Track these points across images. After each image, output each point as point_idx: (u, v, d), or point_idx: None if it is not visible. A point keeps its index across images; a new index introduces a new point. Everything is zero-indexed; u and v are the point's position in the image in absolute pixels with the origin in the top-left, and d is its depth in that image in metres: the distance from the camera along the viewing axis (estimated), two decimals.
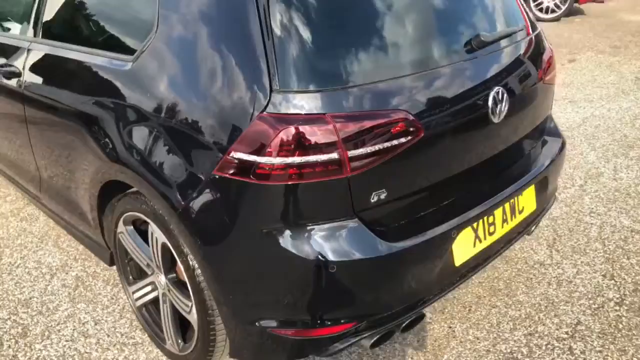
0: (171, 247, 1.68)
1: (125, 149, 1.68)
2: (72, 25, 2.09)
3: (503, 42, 1.84)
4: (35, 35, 2.18)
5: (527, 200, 1.96)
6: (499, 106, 1.70)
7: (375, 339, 1.61)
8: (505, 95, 1.72)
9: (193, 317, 1.72)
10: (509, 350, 2.01)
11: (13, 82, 2.24)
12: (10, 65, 2.25)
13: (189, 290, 1.69)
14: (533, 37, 2.03)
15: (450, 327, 2.12)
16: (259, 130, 1.39)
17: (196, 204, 1.51)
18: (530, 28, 2.06)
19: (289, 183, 1.41)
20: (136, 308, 2.06)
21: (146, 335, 2.08)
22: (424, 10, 1.68)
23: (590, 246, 2.61)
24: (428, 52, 1.63)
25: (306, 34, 1.44)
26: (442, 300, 2.25)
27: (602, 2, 9.13)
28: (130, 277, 2.05)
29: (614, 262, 2.49)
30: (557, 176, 2.17)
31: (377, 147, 1.44)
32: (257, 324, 1.56)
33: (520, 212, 1.93)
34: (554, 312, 2.19)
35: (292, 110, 1.39)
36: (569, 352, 1.99)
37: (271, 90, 1.39)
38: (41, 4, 2.17)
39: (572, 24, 7.86)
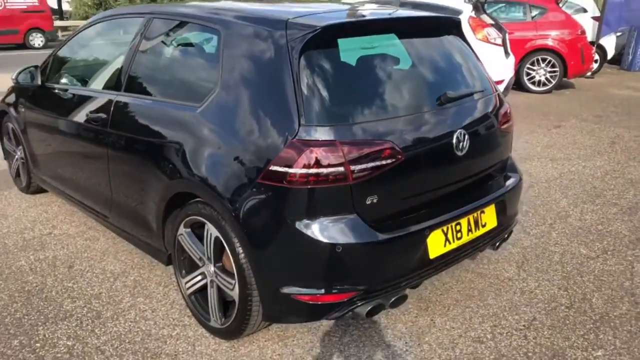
0: (222, 239, 2.31)
1: (194, 168, 2.35)
2: (150, 82, 2.83)
3: (468, 97, 2.53)
4: (120, 89, 2.91)
5: (489, 217, 2.58)
6: (461, 143, 2.37)
7: (369, 308, 2.21)
8: (466, 135, 2.39)
9: (235, 292, 2.32)
10: (476, 336, 2.56)
11: (100, 125, 2.96)
12: (99, 112, 2.98)
13: (233, 273, 2.30)
14: (494, 96, 2.73)
15: (432, 320, 2.68)
16: (290, 151, 2.06)
17: (245, 203, 2.16)
18: (493, 89, 2.76)
19: (309, 187, 2.06)
20: (187, 296, 2.66)
21: (193, 319, 2.67)
22: (407, 74, 2.40)
23: (551, 267, 3.18)
24: (410, 102, 2.32)
25: (322, 90, 2.14)
26: (426, 300, 2.82)
27: (592, 78, 10.01)
28: (184, 271, 2.66)
29: (569, 279, 3.06)
30: (515, 203, 2.80)
31: (371, 165, 2.10)
32: (283, 291, 2.16)
33: (483, 226, 2.55)
34: (516, 311, 2.75)
35: (313, 138, 2.06)
36: (524, 338, 2.54)
37: (299, 125, 2.07)
38: (126, 67, 2.92)
39: (562, 96, 8.66)
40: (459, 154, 2.38)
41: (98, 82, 3.28)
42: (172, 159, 2.48)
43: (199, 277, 2.56)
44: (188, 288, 2.63)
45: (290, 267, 2.16)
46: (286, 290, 2.16)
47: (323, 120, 2.10)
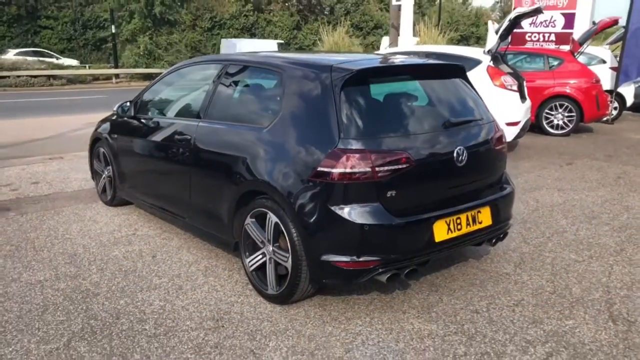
0: (281, 224, 3.11)
1: (262, 171, 3.19)
2: (226, 111, 3.73)
3: (467, 123, 3.33)
4: (202, 117, 3.82)
5: (485, 216, 3.33)
6: (460, 157, 3.16)
7: (388, 275, 2.97)
8: (465, 151, 3.18)
9: (289, 263, 3.10)
10: (474, 309, 3.26)
11: (185, 145, 3.86)
12: (184, 134, 3.88)
13: (288, 249, 3.09)
14: (491, 124, 3.52)
15: (440, 298, 3.40)
16: (332, 155, 2.89)
17: (299, 195, 2.98)
18: (490, 117, 3.55)
19: (345, 183, 2.87)
20: (249, 272, 3.45)
21: (253, 291, 3.45)
22: (420, 104, 3.23)
23: (543, 267, 3.87)
24: (421, 125, 3.15)
25: (356, 114, 2.99)
26: (436, 285, 3.54)
27: (612, 124, 10.65)
28: (247, 252, 3.47)
29: (556, 275, 3.74)
30: (507, 207, 3.54)
31: (391, 168, 2.90)
32: (323, 259, 2.94)
33: (480, 222, 3.30)
34: (509, 295, 3.45)
35: (349, 147, 2.89)
36: (511, 311, 3.23)
37: (339, 138, 2.91)
38: (206, 100, 3.83)
39: (579, 138, 9.33)
40: (459, 164, 3.16)
41: (182, 113, 4.22)
42: (244, 166, 3.33)
43: (260, 256, 3.36)
44: (251, 265, 3.43)
45: (329, 241, 2.94)
46: (326, 258, 2.95)
47: (356, 136, 2.93)
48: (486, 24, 12.17)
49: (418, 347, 2.85)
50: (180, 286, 3.56)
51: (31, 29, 34.29)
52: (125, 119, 4.71)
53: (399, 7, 12.93)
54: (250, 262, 3.44)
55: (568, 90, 9.25)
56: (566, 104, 9.27)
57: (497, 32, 7.31)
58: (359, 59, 3.37)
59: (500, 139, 3.56)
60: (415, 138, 3.07)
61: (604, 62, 11.36)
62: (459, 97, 3.48)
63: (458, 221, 3.17)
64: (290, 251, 3.08)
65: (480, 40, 52.72)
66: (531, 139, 9.05)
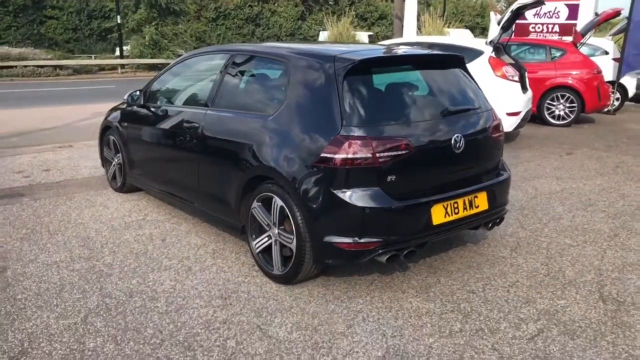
0: (286, 208, 3.26)
1: (268, 157, 3.33)
2: (233, 100, 3.87)
3: (465, 112, 3.47)
4: (210, 106, 3.96)
5: (481, 201, 3.47)
6: (457, 144, 3.30)
7: (388, 256, 3.12)
8: (462, 138, 3.32)
9: (293, 245, 3.25)
10: (470, 289, 3.41)
11: (193, 132, 4.00)
12: (192, 122, 4.03)
13: (292, 231, 3.24)
14: (488, 113, 3.66)
15: (437, 279, 3.55)
16: (335, 142, 3.03)
17: (303, 180, 3.12)
18: (488, 106, 3.68)
19: (347, 168, 3.01)
20: (256, 254, 3.61)
21: (259, 272, 3.61)
22: (420, 93, 3.36)
23: (538, 251, 4.01)
24: (420, 113, 3.28)
25: (358, 102, 3.12)
26: (434, 267, 3.69)
27: (614, 114, 10.74)
28: (254, 235, 3.62)
29: (550, 258, 3.88)
30: (504, 193, 3.68)
31: (391, 154, 3.04)
32: (326, 240, 3.09)
33: (476, 207, 3.44)
34: (504, 277, 3.59)
35: (351, 134, 3.03)
36: (506, 291, 3.38)
37: (342, 125, 3.05)
38: (214, 89, 3.97)
39: (580, 129, 9.43)
40: (457, 151, 3.30)
41: (191, 101, 4.37)
42: (251, 152, 3.48)
43: (266, 239, 3.52)
44: (257, 247, 3.59)
45: (332, 223, 3.09)
46: (329, 239, 3.10)
47: (358, 123, 3.07)
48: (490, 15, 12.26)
49: (416, 323, 3.00)
50: (190, 267, 3.72)
51: (37, 19, 34.38)
52: (135, 107, 4.86)
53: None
54: (256, 244, 3.60)
55: (569, 81, 9.34)
56: (567, 94, 9.37)
57: (499, 24, 7.40)
58: (361, 50, 3.51)
59: (497, 127, 3.69)
60: (414, 125, 3.21)
61: (607, 53, 11.42)
62: (458, 86, 3.61)
63: (455, 205, 3.31)
64: (294, 233, 3.24)
65: (485, 31, 52.53)
66: (533, 130, 9.16)
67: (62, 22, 35.52)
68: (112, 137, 5.33)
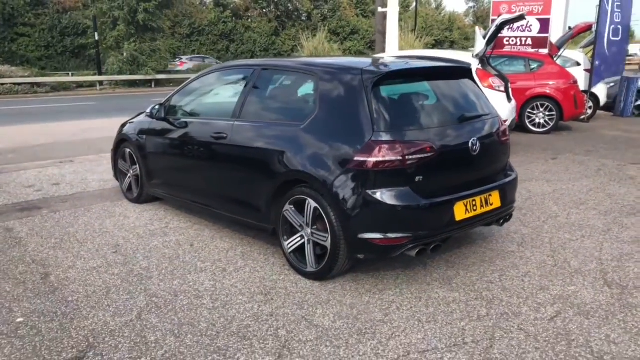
0: (320, 209, 3.54)
1: (302, 163, 3.61)
2: (262, 111, 4.14)
3: (478, 118, 3.81)
4: (237, 117, 4.22)
5: (495, 199, 3.81)
6: (474, 147, 3.63)
7: (417, 250, 3.42)
8: (478, 142, 3.66)
9: (328, 243, 3.52)
10: (489, 280, 3.73)
11: (220, 142, 4.25)
12: (220, 133, 4.28)
13: (327, 230, 3.51)
14: (496, 119, 4.01)
15: (457, 272, 3.86)
16: (368, 147, 3.33)
17: (338, 182, 3.41)
18: (495, 114, 4.04)
19: (379, 170, 3.31)
20: (288, 253, 3.86)
21: (291, 271, 3.86)
22: (438, 101, 3.70)
23: (543, 245, 4.36)
24: (440, 119, 3.62)
25: (386, 110, 3.44)
26: (453, 262, 4.01)
27: (588, 122, 11.32)
28: (285, 236, 3.88)
29: (555, 251, 4.24)
30: (512, 191, 4.02)
31: (417, 157, 3.36)
32: (360, 237, 3.37)
33: (491, 204, 3.77)
34: (516, 268, 3.92)
35: (382, 139, 3.33)
36: (521, 281, 3.71)
37: (373, 131, 3.35)
38: (240, 102, 4.24)
39: (559, 136, 9.96)
40: (473, 153, 3.64)
41: (216, 113, 4.62)
42: (283, 159, 3.75)
43: (299, 239, 3.77)
44: (289, 247, 3.84)
45: (366, 221, 3.38)
46: (363, 236, 3.38)
47: (387, 129, 3.37)
48: (465, 28, 12.81)
49: (446, 310, 3.30)
50: (224, 269, 3.95)
51: (8, 37, 34.02)
52: (155, 120, 5.07)
53: (385, 14, 13.47)
54: (288, 244, 3.85)
55: (548, 91, 9.87)
56: (547, 103, 9.90)
57: (484, 37, 7.85)
58: (382, 62, 3.83)
59: (505, 131, 4.04)
60: (436, 131, 3.54)
61: (579, 64, 12.05)
62: (469, 94, 3.96)
63: (474, 203, 3.64)
64: (329, 232, 3.51)
65: (454, 45, 53.94)
66: (516, 137, 9.61)
67: (34, 39, 35.21)
68: (127, 150, 5.52)
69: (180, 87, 5.14)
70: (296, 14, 49.10)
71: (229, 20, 43.75)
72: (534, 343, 2.93)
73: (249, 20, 46.23)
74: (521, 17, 7.85)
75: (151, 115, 5.08)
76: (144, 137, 5.24)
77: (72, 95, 22.35)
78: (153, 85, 25.13)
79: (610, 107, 12.89)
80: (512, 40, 14.44)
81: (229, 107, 4.39)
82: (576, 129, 10.81)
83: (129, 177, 5.61)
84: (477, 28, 8.40)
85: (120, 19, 23.98)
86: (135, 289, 3.62)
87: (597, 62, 11.69)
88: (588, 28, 10.94)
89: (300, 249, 3.78)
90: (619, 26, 12.16)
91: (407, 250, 3.42)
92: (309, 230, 3.68)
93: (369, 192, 3.34)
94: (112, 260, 4.11)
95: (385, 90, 3.54)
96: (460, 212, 3.55)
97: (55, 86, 22.90)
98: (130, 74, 24.04)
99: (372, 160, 3.31)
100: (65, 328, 3.11)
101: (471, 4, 56.93)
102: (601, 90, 11.95)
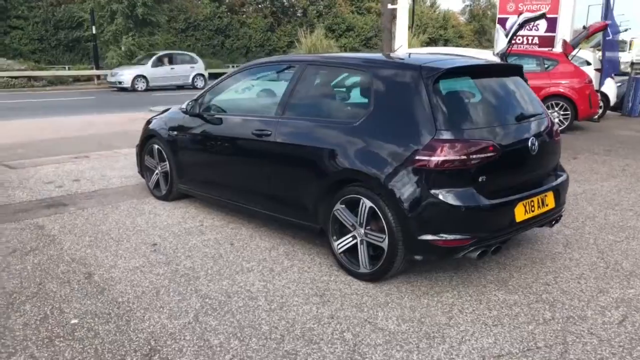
0: (376, 208, 3.44)
1: (356, 162, 3.51)
2: (309, 108, 4.03)
3: (533, 117, 3.74)
4: (281, 114, 4.11)
5: (549, 200, 3.74)
6: (533, 146, 3.56)
7: (479, 252, 3.34)
8: (536, 141, 3.59)
9: (385, 243, 3.43)
10: (545, 282, 3.66)
11: (264, 139, 4.14)
12: (264, 130, 4.17)
13: (384, 230, 3.42)
14: (547, 119, 3.94)
15: (510, 274, 3.79)
16: (431, 146, 3.24)
17: (398, 182, 3.32)
18: (546, 112, 3.97)
19: (442, 169, 3.23)
20: (338, 254, 3.76)
21: (340, 271, 3.77)
22: (496, 99, 3.62)
23: (588, 247, 4.31)
24: (500, 117, 3.54)
25: (446, 108, 3.35)
26: (504, 264, 3.94)
27: (599, 121, 11.33)
28: (335, 236, 3.79)
29: (603, 253, 4.18)
30: (564, 192, 3.96)
31: (481, 156, 3.28)
32: (422, 238, 3.29)
33: (546, 205, 3.70)
34: (569, 270, 3.86)
35: (445, 138, 3.25)
36: (577, 283, 3.64)
37: (435, 130, 3.26)
38: (285, 99, 4.13)
39: (574, 135, 9.94)
40: (532, 153, 3.57)
41: (257, 110, 4.51)
42: (334, 158, 3.65)
43: (350, 239, 3.68)
44: (340, 248, 3.75)
45: (429, 222, 3.29)
46: (425, 237, 3.30)
47: (450, 128, 3.29)
48: (473, 27, 12.75)
49: (510, 313, 3.23)
50: (271, 269, 3.85)
51: (1, 30, 33.48)
52: (188, 116, 4.94)
53: (392, 11, 13.37)
54: (338, 244, 3.76)
55: (563, 90, 9.85)
56: (562, 102, 9.87)
57: (507, 36, 7.80)
58: (437, 59, 3.74)
59: (557, 132, 3.98)
60: (496, 130, 3.46)
61: (589, 64, 12.05)
62: (522, 93, 3.89)
63: (532, 204, 3.57)
64: (386, 232, 3.42)
65: (448, 43, 53.95)
66: None
67: (27, 32, 34.65)
68: (156, 146, 5.39)
69: (214, 82, 5.01)
70: (292, 10, 48.87)
71: (225, 16, 43.41)
72: (609, 348, 2.86)
73: (244, 15, 45.94)
74: (542, 16, 7.81)
75: (185, 112, 4.95)
76: (175, 133, 5.11)
77: (70, 89, 22.06)
78: None
79: (617, 106, 12.92)
80: (519, 39, 14.45)
81: (271, 104, 4.29)
82: (588, 128, 10.81)
83: (157, 174, 5.48)
84: (497, 26, 8.36)
85: (118, 13, 23.66)
86: (184, 289, 3.51)
87: (604, 62, 11.70)
88: (604, 27, 10.93)
89: (351, 250, 3.69)
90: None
91: (470, 252, 3.35)
92: (362, 231, 3.59)
93: (432, 192, 3.25)
94: (153, 259, 4.00)
95: (446, 88, 3.46)
96: (520, 213, 3.48)
97: (52, 80, 22.58)
98: None
99: (435, 159, 3.22)
100: (122, 330, 2.99)
101: (467, 2, 56.93)
102: (611, 89, 11.95)
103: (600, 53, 12.78)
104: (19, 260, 3.94)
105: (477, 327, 3.07)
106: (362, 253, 3.61)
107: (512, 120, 3.62)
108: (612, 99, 12.12)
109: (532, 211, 3.57)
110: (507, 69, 3.99)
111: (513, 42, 7.82)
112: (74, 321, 3.08)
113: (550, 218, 3.83)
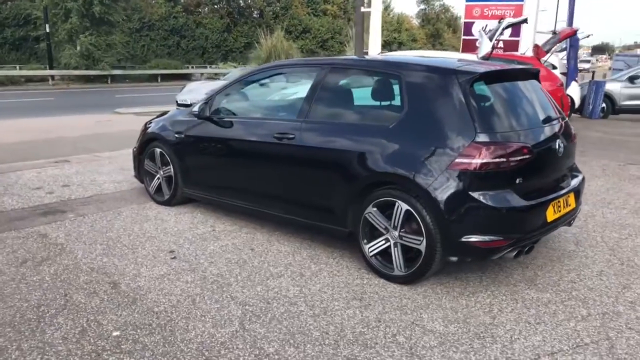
0: (413, 211, 3.46)
1: (391, 165, 3.52)
2: (335, 111, 4.01)
3: (555, 120, 3.86)
4: (305, 117, 4.07)
5: (571, 200, 3.86)
6: (560, 148, 3.67)
7: (515, 252, 3.41)
8: (561, 143, 3.70)
9: (423, 246, 3.45)
10: (569, 279, 3.77)
11: (286, 143, 4.09)
12: (286, 133, 4.11)
13: (421, 233, 3.44)
14: (566, 120, 4.07)
15: (535, 273, 3.88)
16: (471, 149, 3.29)
17: (437, 184, 3.35)
18: (562, 118, 4.10)
19: (483, 171, 3.28)
20: (369, 257, 3.76)
21: (371, 274, 3.77)
22: (526, 102, 3.71)
23: (598, 245, 4.47)
24: (529, 120, 3.63)
25: (484, 111, 3.41)
26: (526, 263, 4.03)
27: None
28: (366, 240, 3.78)
29: (614, 250, 4.34)
30: (582, 192, 4.10)
31: (519, 158, 3.35)
32: (462, 240, 3.33)
33: (569, 205, 3.82)
34: (587, 267, 3.98)
35: (484, 140, 3.30)
36: (600, 279, 3.77)
37: (476, 133, 3.31)
38: (308, 102, 4.09)
39: None
40: (559, 155, 3.67)
41: (275, 113, 4.44)
42: (367, 161, 3.65)
43: (383, 242, 3.68)
44: (371, 251, 3.74)
45: (468, 223, 3.33)
46: (465, 239, 3.34)
47: (489, 130, 3.35)
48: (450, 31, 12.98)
49: (548, 311, 3.31)
50: (301, 273, 3.81)
51: None
52: (197, 119, 4.83)
53: (365, 13, 13.47)
54: (370, 248, 3.75)
55: None
56: None
57: (490, 39, 8.01)
58: (467, 64, 3.81)
59: (574, 134, 4.11)
60: (528, 132, 3.55)
61: (555, 67, 12.51)
62: (543, 96, 4.00)
63: (559, 204, 3.67)
64: (424, 234, 3.44)
65: (402, 46, 54.88)
66: None
67: None
68: (158, 150, 5.24)
69: (224, 85, 4.92)
70: (248, 11, 48.57)
71: (180, 16, 42.73)
72: None
73: (200, 16, 45.32)
74: (524, 21, 8.06)
75: (195, 115, 4.83)
76: (182, 136, 4.98)
77: (24, 90, 21.13)
78: (109, 81, 24.13)
79: (579, 109, 13.47)
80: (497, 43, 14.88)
81: (291, 107, 4.24)
82: None
83: (158, 178, 5.33)
84: (480, 30, 8.57)
85: (73, 11, 22.84)
86: (220, 297, 3.42)
87: (570, 66, 12.20)
88: (573, 33, 11.38)
89: (384, 252, 3.69)
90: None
91: (508, 252, 3.41)
92: (395, 233, 3.60)
93: (472, 194, 3.30)
94: (176, 267, 3.88)
95: (481, 91, 3.53)
96: (550, 213, 3.57)
97: (3, 80, 21.56)
98: (86, 69, 22.97)
99: (476, 162, 3.27)
100: (170, 341, 2.89)
101: (422, 6, 58.06)
102: (575, 92, 12.46)
103: (563, 56, 13.32)
104: (33, 272, 3.74)
105: (521, 326, 3.13)
106: (397, 256, 3.62)
107: (539, 122, 3.72)
108: (577, 101, 12.62)
109: (559, 211, 3.67)
110: (528, 73, 4.08)
111: (495, 46, 8.03)
112: (115, 333, 2.96)
113: (570, 217, 3.95)
